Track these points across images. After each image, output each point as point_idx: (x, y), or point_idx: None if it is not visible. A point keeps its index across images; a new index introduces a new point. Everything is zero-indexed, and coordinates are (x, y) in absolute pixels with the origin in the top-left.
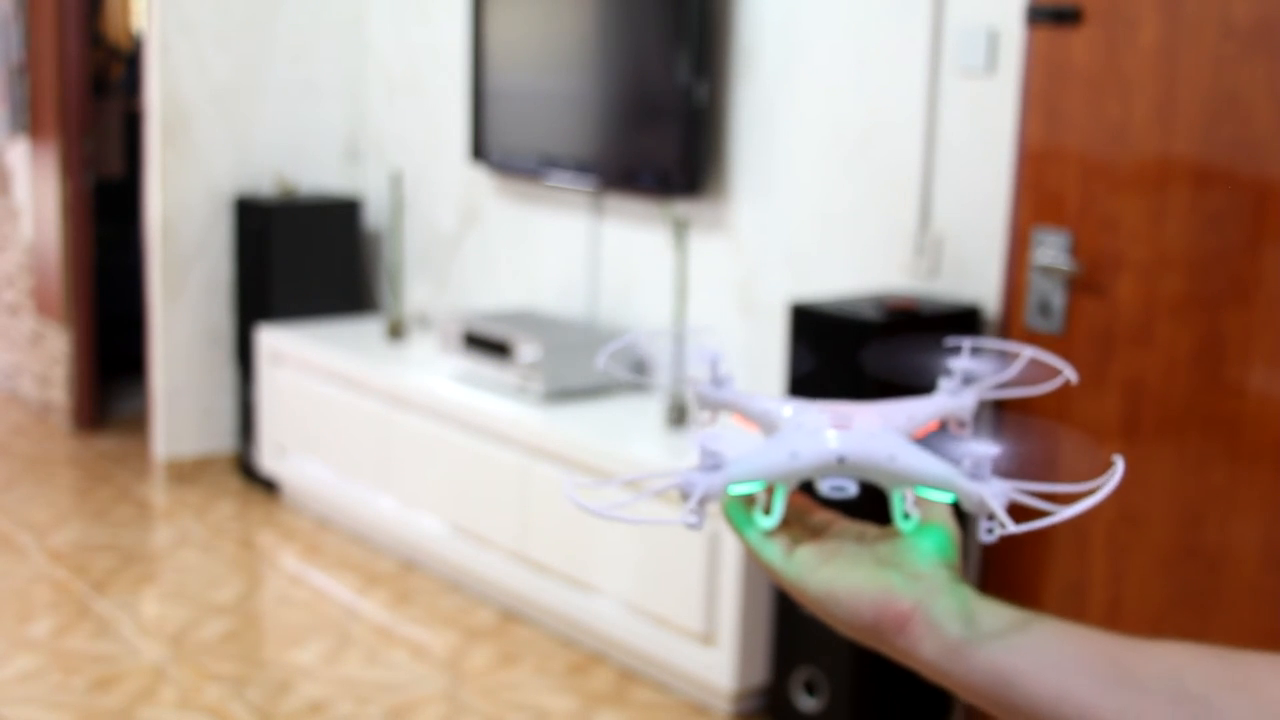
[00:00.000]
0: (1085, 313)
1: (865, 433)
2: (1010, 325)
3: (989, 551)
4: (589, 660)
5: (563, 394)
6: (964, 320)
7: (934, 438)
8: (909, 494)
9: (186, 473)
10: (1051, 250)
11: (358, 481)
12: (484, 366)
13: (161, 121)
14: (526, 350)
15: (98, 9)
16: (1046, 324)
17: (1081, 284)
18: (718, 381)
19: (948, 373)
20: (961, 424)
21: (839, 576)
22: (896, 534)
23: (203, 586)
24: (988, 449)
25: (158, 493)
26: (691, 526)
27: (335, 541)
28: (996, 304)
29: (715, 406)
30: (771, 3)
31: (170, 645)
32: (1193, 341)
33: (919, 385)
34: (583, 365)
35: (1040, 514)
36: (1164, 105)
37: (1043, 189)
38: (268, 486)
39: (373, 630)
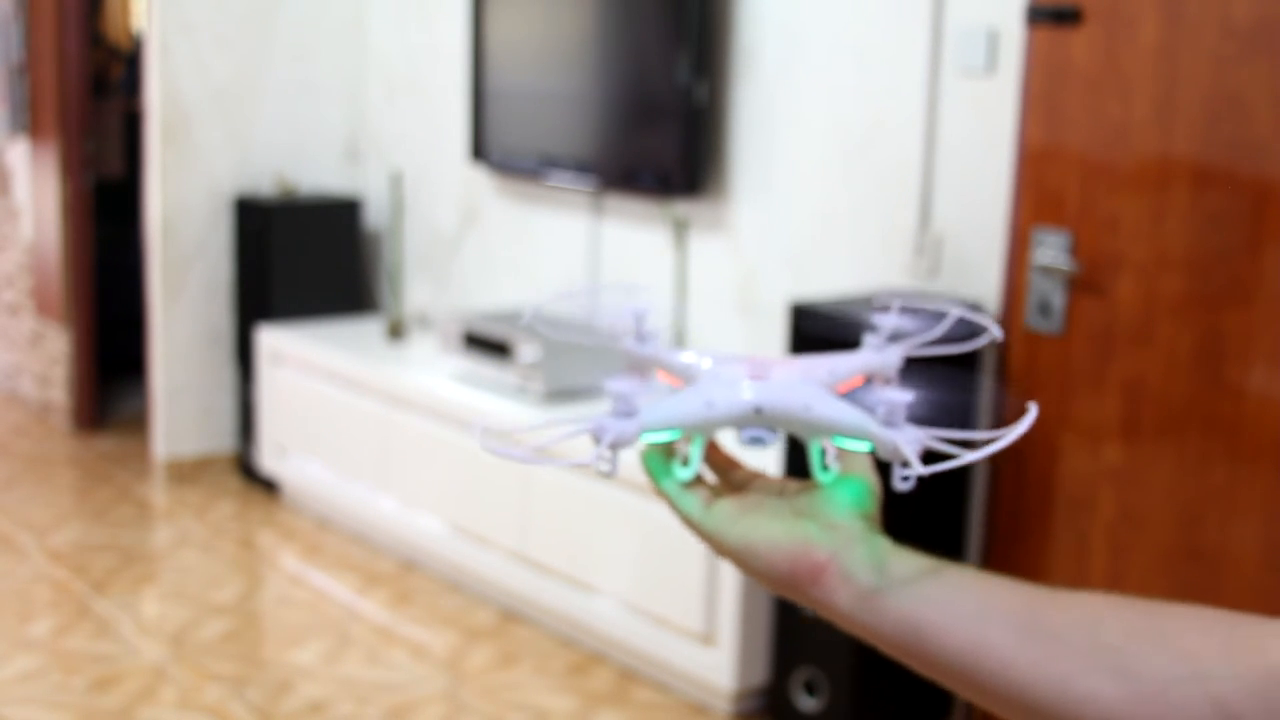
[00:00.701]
0: (1085, 313)
1: (782, 384)
2: (1010, 325)
3: (989, 551)
4: (589, 660)
5: (563, 394)
6: (964, 320)
7: (857, 393)
8: (829, 446)
9: (186, 473)
10: (1051, 250)
11: (358, 481)
12: (484, 366)
13: (161, 121)
14: (526, 350)
15: (98, 9)
16: (1046, 324)
17: (1081, 284)
18: (642, 337)
19: (873, 329)
20: (886, 380)
21: (756, 528)
22: (816, 486)
23: (203, 586)
24: (901, 396)
25: (158, 493)
26: (604, 473)
27: (335, 541)
28: (996, 304)
29: (640, 363)
30: (771, 3)
31: (170, 645)
32: (1193, 341)
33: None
34: (583, 365)
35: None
36: (1164, 105)
37: (1043, 189)
38: (268, 486)
39: (373, 630)
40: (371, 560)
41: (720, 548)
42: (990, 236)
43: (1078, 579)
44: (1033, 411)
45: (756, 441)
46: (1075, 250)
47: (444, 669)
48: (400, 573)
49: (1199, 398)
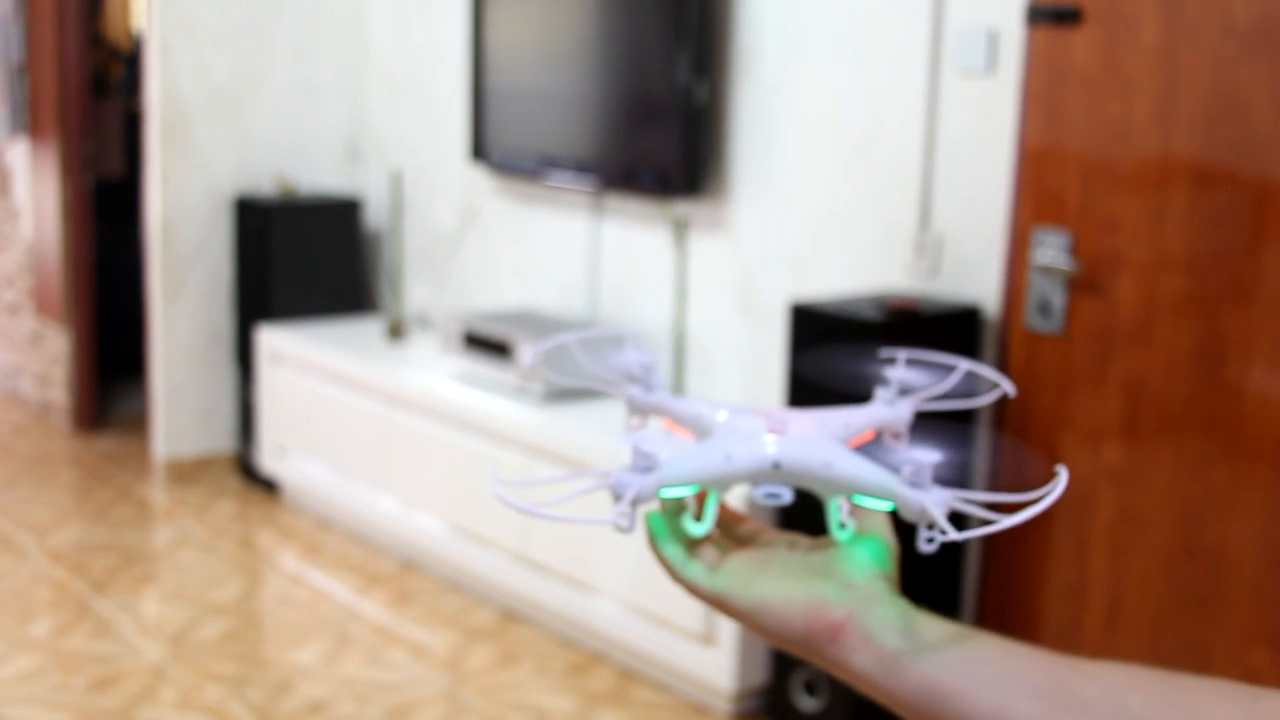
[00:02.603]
0: (1085, 313)
1: (801, 438)
2: (1010, 325)
3: (989, 553)
4: (589, 660)
5: (563, 394)
6: (964, 320)
7: (868, 448)
8: (845, 503)
9: (186, 473)
10: (1051, 250)
11: (358, 481)
12: (484, 366)
13: (161, 121)
14: (526, 350)
15: (98, 9)
16: (1046, 324)
17: (1081, 284)
18: (649, 386)
19: (884, 382)
20: (896, 435)
21: (768, 586)
22: (830, 544)
23: (203, 586)
24: (929, 456)
25: (158, 493)
26: (621, 530)
27: (335, 541)
28: (996, 304)
29: (645, 411)
30: (771, 3)
31: (170, 645)
32: (1193, 341)
33: (854, 394)
34: (583, 366)
35: (982, 524)
36: (1164, 105)
37: (1043, 189)
38: (268, 486)
39: (373, 630)
40: (371, 560)
41: (729, 609)
42: (990, 236)
43: (1078, 579)
44: (1064, 476)
45: (773, 497)
46: (1075, 250)
47: (444, 669)
48: (400, 573)
49: (1199, 398)
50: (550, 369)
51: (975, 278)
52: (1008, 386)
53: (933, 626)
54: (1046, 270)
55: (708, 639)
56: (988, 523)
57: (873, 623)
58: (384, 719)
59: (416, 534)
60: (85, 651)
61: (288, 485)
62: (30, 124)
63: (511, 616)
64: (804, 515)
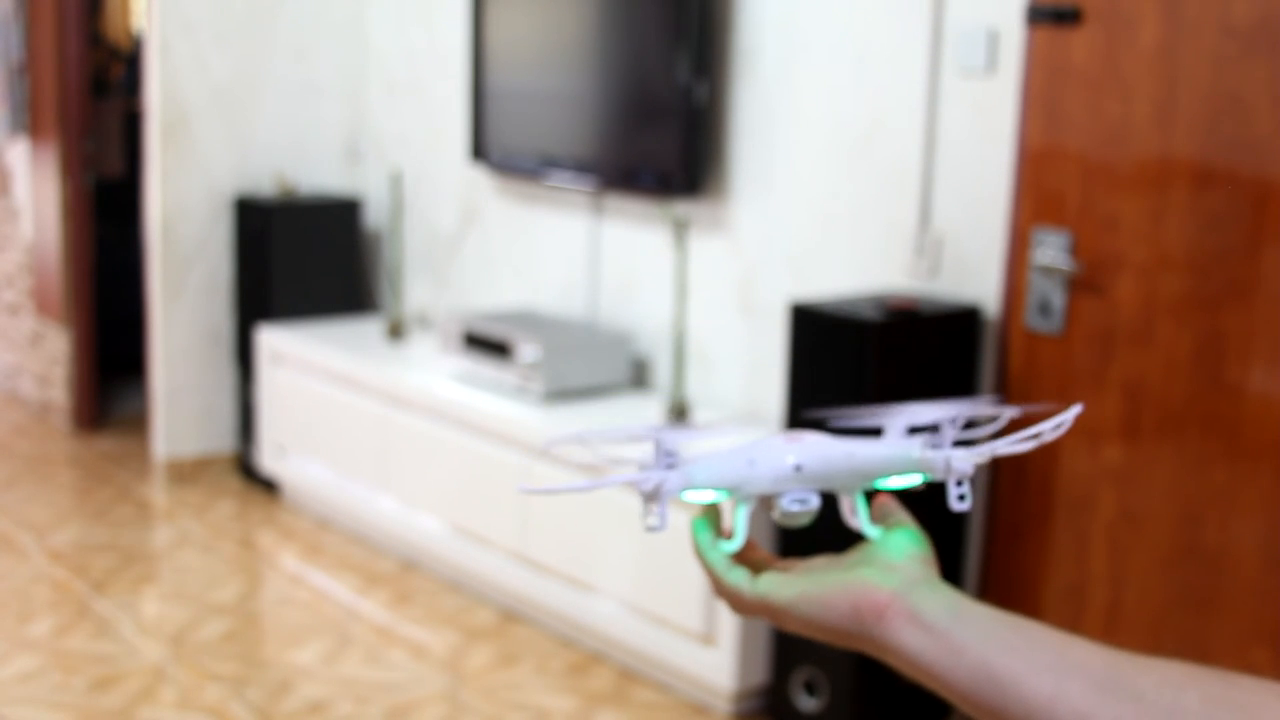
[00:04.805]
0: (1085, 313)
1: (818, 442)
2: (1010, 325)
3: (989, 553)
4: (589, 660)
5: (563, 394)
6: (964, 320)
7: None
8: (872, 508)
9: (186, 473)
10: (1051, 250)
11: (358, 481)
12: (484, 366)
13: (161, 121)
14: (526, 350)
15: (98, 9)
16: (1046, 324)
17: (1081, 284)
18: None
19: (891, 423)
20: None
21: (810, 582)
22: (865, 543)
23: (203, 586)
24: (945, 412)
25: (158, 493)
26: (651, 527)
27: (335, 541)
28: (996, 304)
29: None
30: (771, 3)
31: (170, 645)
32: (1193, 341)
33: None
34: (583, 365)
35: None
36: (1164, 105)
37: (1043, 189)
38: (268, 486)
39: (373, 630)
40: (371, 560)
41: (773, 610)
42: (990, 236)
43: (1078, 579)
44: (1077, 407)
45: (801, 503)
46: (1075, 250)
47: (444, 669)
48: (400, 573)
49: (1199, 398)
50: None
51: (975, 278)
52: (1011, 412)
53: (979, 608)
54: (1046, 270)
55: (708, 639)
56: (1000, 449)
57: (918, 601)
58: (384, 719)
59: (416, 534)
60: (85, 651)
61: (288, 485)
62: (30, 124)
63: (511, 616)
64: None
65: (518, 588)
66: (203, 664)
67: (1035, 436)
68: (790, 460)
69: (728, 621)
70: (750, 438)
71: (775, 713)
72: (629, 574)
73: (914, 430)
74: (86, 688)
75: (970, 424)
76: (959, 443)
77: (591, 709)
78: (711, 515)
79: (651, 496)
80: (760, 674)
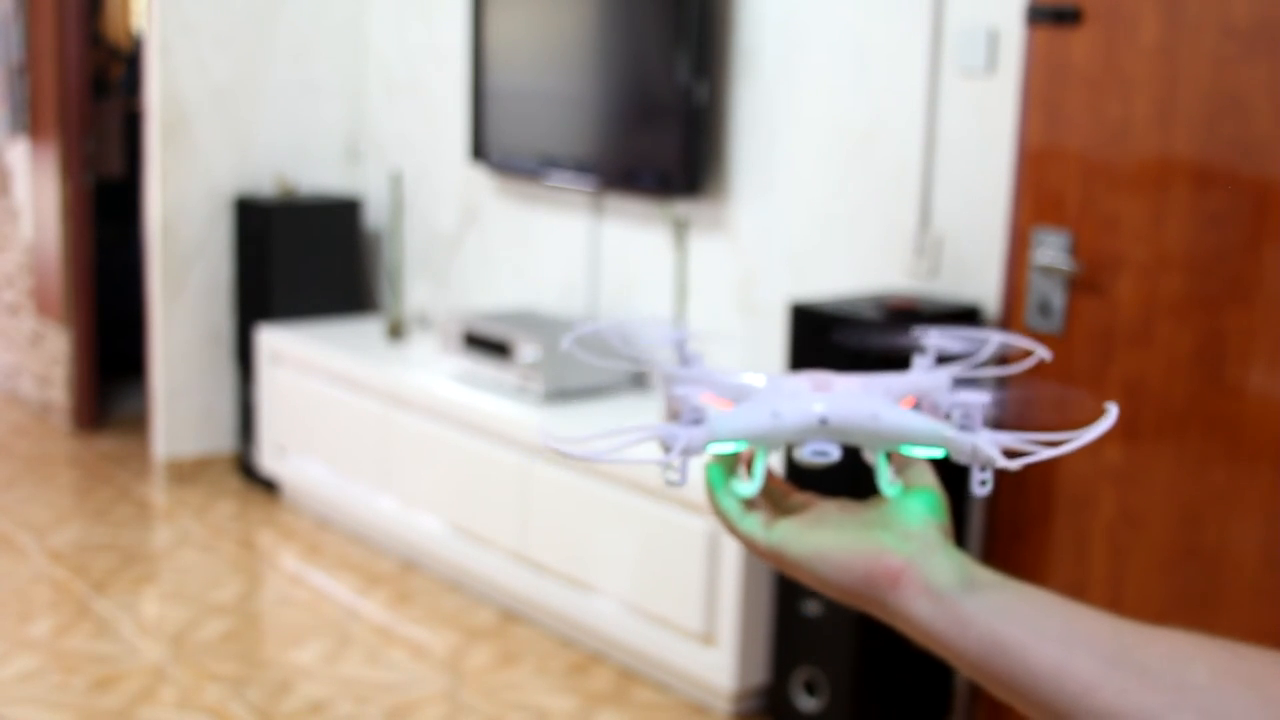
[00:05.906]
0: (1085, 313)
1: (847, 394)
2: (1010, 325)
3: (989, 551)
4: (589, 660)
5: (563, 394)
6: (964, 320)
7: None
8: (893, 462)
9: (186, 473)
10: (1051, 250)
11: (358, 481)
12: (484, 366)
13: (161, 121)
14: (526, 350)
15: (98, 9)
16: (1046, 324)
17: (1081, 284)
18: (686, 360)
19: (921, 351)
20: (935, 405)
21: (827, 538)
22: (882, 500)
23: (203, 586)
24: (977, 397)
25: (158, 493)
26: (672, 483)
27: (335, 541)
28: (996, 304)
29: (684, 384)
30: (771, 3)
31: (170, 645)
32: (1193, 341)
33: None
34: (583, 365)
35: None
36: (1164, 105)
37: (1043, 189)
38: (268, 486)
39: (373, 630)
40: (371, 560)
41: (784, 562)
42: (990, 236)
43: (1078, 579)
44: (1114, 411)
45: (821, 455)
46: (1075, 250)
47: (444, 669)
48: (400, 573)
49: (1199, 398)
50: (583, 354)
51: (975, 278)
52: (1043, 352)
53: (991, 576)
54: (1046, 270)
55: (708, 639)
56: (1029, 453)
57: (931, 570)
58: (384, 719)
59: (416, 534)
60: (85, 651)
61: (288, 485)
62: (30, 124)
63: (511, 616)
64: (851, 485)
65: (518, 588)
66: (203, 664)
67: (1066, 442)
68: (817, 410)
69: (728, 621)
70: (761, 378)
71: (775, 713)
72: (629, 574)
73: (942, 360)
74: (86, 688)
75: (1002, 359)
76: (994, 426)
77: (591, 709)
78: (726, 460)
79: (679, 452)
80: (760, 674)
